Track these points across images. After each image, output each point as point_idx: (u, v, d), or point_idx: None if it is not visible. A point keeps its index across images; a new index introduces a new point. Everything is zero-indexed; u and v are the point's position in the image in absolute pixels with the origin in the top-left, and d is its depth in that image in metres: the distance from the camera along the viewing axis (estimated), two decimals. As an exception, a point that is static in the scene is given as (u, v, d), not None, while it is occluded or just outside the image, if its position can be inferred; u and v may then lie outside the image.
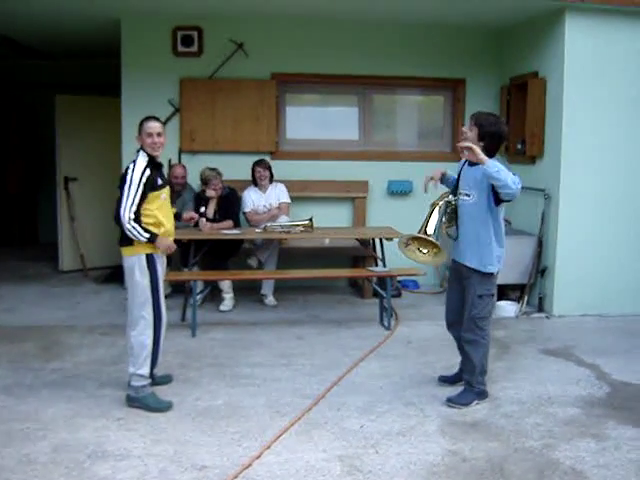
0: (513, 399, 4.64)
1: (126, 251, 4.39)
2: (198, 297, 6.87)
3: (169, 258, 7.00)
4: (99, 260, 8.67)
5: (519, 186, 4.16)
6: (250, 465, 3.65)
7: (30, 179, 10.21)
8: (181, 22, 7.37)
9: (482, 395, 4.59)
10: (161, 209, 4.42)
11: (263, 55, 7.56)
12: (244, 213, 7.20)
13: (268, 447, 3.87)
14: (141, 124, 4.48)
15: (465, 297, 4.57)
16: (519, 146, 7.32)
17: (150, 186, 4.31)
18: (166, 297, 7.00)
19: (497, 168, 4.12)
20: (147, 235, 4.29)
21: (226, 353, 5.54)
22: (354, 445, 3.92)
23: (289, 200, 7.30)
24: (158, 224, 4.39)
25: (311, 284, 7.75)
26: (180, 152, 7.58)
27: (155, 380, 4.72)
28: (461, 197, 4.49)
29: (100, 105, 8.27)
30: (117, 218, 4.29)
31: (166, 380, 4.83)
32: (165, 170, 6.63)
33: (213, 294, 7.11)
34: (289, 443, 3.94)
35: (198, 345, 5.75)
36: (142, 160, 4.34)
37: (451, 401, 4.53)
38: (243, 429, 4.10)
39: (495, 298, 4.61)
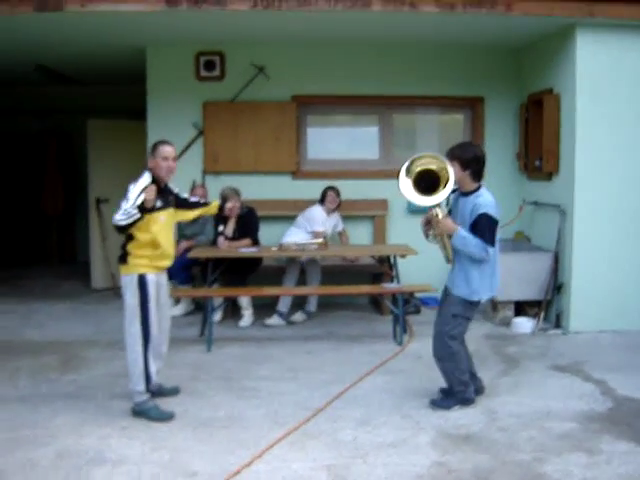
0: (512, 413, 4.66)
1: (122, 269, 4.58)
2: (218, 313, 7.11)
3: (187, 276, 7.28)
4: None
5: (484, 253, 4.42)
6: (238, 472, 3.79)
7: (68, 200, 10.61)
8: (203, 48, 7.65)
9: (466, 402, 4.73)
10: (160, 232, 4.58)
11: (283, 78, 7.77)
12: (313, 232, 7.20)
13: (259, 456, 4.00)
14: (155, 148, 4.66)
15: (441, 314, 4.74)
16: (537, 163, 7.34)
17: (147, 207, 4.46)
18: (188, 314, 7.40)
19: (461, 239, 4.45)
20: (135, 210, 4.35)
21: (236, 367, 5.69)
22: (344, 455, 4.02)
23: (342, 226, 7.63)
24: (155, 244, 4.55)
25: (332, 301, 7.87)
26: (204, 173, 7.82)
27: (163, 391, 4.92)
28: None
29: (128, 129, 8.60)
30: (116, 227, 4.45)
31: (173, 392, 5.00)
32: (187, 191, 6.95)
33: (234, 311, 7.29)
34: (281, 453, 4.06)
35: (211, 359, 5.92)
36: (144, 180, 4.52)
37: (434, 404, 4.75)
38: (239, 439, 4.24)
39: (468, 322, 4.70)
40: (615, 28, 6.44)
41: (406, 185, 4.48)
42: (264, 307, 7.32)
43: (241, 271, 7.04)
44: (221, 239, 6.82)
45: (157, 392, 4.86)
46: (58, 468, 3.83)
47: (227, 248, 6.79)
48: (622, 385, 5.20)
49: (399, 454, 4.04)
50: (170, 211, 4.71)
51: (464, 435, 4.32)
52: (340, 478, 3.73)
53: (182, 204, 4.91)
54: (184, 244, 7.25)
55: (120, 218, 4.38)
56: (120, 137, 8.62)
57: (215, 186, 7.52)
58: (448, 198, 4.65)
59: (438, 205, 4.56)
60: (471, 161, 4.50)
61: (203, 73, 7.69)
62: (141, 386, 4.57)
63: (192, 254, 6.71)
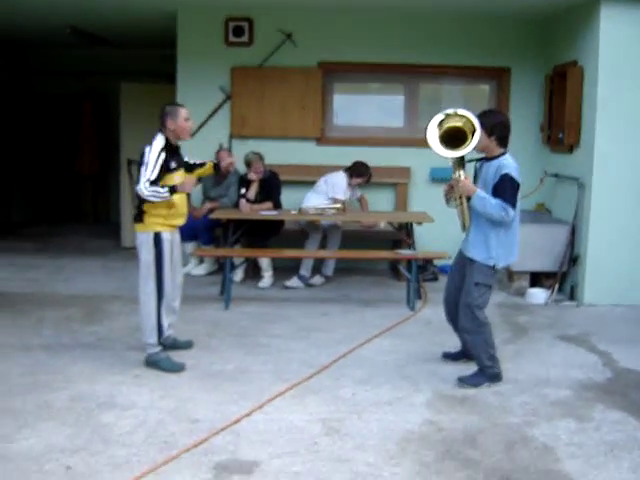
0: (510, 379, 4.76)
1: (137, 227, 4.79)
2: (239, 274, 7.34)
3: (214, 238, 7.50)
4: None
5: (503, 213, 4.39)
6: (238, 421, 4.00)
7: (103, 161, 10.90)
8: (233, 13, 7.77)
9: (495, 378, 4.68)
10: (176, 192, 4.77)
11: (311, 44, 7.87)
12: (333, 198, 7.26)
13: (260, 407, 4.20)
14: (175, 111, 4.81)
15: (464, 286, 4.71)
16: (560, 135, 7.33)
17: (164, 168, 4.66)
18: (211, 273, 7.63)
19: (480, 199, 4.43)
20: (167, 192, 4.60)
21: (251, 325, 5.91)
22: (341, 410, 4.20)
23: (360, 192, 7.73)
24: (170, 203, 4.74)
25: (352, 266, 8.03)
26: (231, 137, 8.00)
27: (177, 344, 5.16)
28: None
29: (159, 92, 8.78)
30: (137, 195, 4.68)
31: (187, 345, 5.23)
32: (211, 155, 7.16)
33: (255, 273, 7.50)
34: (281, 405, 4.26)
35: (228, 317, 6.14)
36: (159, 142, 4.70)
37: (462, 381, 4.65)
38: (243, 391, 4.45)
39: (491, 291, 4.71)
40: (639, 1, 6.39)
41: (434, 137, 4.47)
42: (285, 270, 7.50)
43: (262, 233, 7.23)
44: (243, 201, 7.01)
45: (171, 345, 5.10)
46: (70, 410, 4.09)
47: (248, 210, 6.97)
48: (625, 357, 5.27)
49: (394, 412, 4.20)
50: (182, 171, 4.89)
51: (460, 397, 4.46)
52: (333, 431, 3.92)
53: (188, 166, 5.09)
54: (208, 205, 7.46)
55: (149, 194, 4.57)
56: (151, 100, 8.79)
57: (242, 150, 7.68)
58: (475, 167, 4.72)
59: (462, 167, 4.55)
60: (496, 127, 4.52)
61: (232, 38, 7.83)
62: (153, 339, 4.79)
63: (214, 215, 6.93)
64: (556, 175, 7.39)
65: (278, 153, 7.80)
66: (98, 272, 7.73)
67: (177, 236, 5.00)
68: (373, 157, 7.82)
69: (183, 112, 4.83)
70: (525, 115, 7.95)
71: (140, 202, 4.78)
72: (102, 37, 9.32)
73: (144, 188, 4.58)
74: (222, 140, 7.88)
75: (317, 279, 7.35)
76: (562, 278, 7.02)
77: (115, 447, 3.66)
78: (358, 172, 7.39)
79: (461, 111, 4.50)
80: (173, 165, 4.75)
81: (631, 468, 3.57)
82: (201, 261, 7.75)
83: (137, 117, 8.82)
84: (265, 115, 7.90)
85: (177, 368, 4.76)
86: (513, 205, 4.45)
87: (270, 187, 7.23)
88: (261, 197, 7.18)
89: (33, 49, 10.86)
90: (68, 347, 5.21)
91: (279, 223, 7.29)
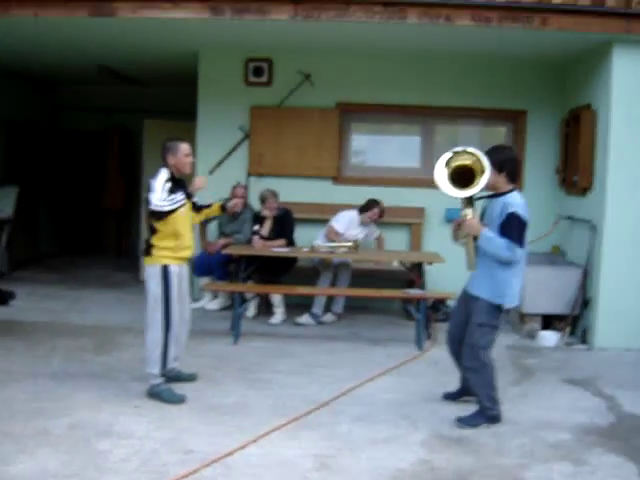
0: (510, 420, 4.72)
1: (146, 260, 4.92)
2: (251, 310, 7.42)
3: (228, 273, 7.60)
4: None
5: (510, 253, 4.38)
6: (231, 454, 4.03)
7: (128, 197, 11.13)
8: (252, 54, 7.99)
9: (494, 420, 4.65)
10: (182, 223, 4.88)
11: (329, 85, 8.04)
12: (326, 223, 7.49)
13: (254, 441, 4.23)
14: (175, 146, 4.93)
15: (468, 325, 4.68)
16: (575, 178, 7.34)
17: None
18: (224, 309, 7.71)
19: (487, 240, 4.43)
20: (182, 196, 4.75)
21: (257, 360, 5.96)
22: (334, 447, 4.21)
23: (378, 232, 7.79)
24: (177, 234, 4.86)
25: (364, 304, 8.05)
26: (248, 175, 8.14)
27: (180, 377, 5.22)
28: None
29: (180, 128, 8.96)
30: (154, 214, 4.77)
31: (191, 378, 5.29)
32: (228, 191, 7.32)
33: (267, 309, 7.56)
34: (276, 439, 4.29)
35: (235, 352, 6.20)
36: (164, 174, 4.83)
37: (461, 421, 4.63)
38: (240, 425, 4.48)
39: (496, 331, 4.64)
40: (653, 45, 6.44)
41: (442, 176, 4.47)
42: (297, 307, 7.54)
43: (275, 270, 7.31)
44: (256, 238, 7.12)
45: (175, 377, 5.16)
46: (68, 437, 4.17)
47: (261, 247, 7.07)
48: (631, 402, 5.19)
49: (388, 450, 4.20)
50: (188, 204, 5.00)
51: (456, 437, 4.44)
52: (324, 466, 3.93)
53: (192, 206, 5.18)
54: (222, 241, 7.58)
55: (166, 203, 4.69)
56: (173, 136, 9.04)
57: (258, 188, 7.81)
58: (482, 204, 4.70)
59: (471, 205, 4.53)
60: (505, 162, 4.51)
61: (251, 78, 8.03)
62: (157, 370, 4.86)
63: (227, 250, 7.04)
64: (570, 218, 7.39)
65: (294, 191, 7.94)
66: (114, 304, 7.86)
67: (185, 269, 5.09)
68: (388, 197, 7.89)
69: (183, 148, 4.97)
70: (541, 158, 7.99)
71: (149, 236, 4.91)
72: (128, 75, 9.62)
73: (158, 201, 4.69)
74: (240, 178, 8.03)
75: (329, 317, 7.40)
76: (574, 321, 6.97)
77: (107, 474, 3.72)
78: (367, 207, 7.48)
79: (470, 149, 4.50)
80: (180, 196, 4.86)
81: (623, 514, 3.53)
82: (215, 296, 7.84)
83: (159, 154, 8.99)
84: (282, 154, 8.05)
85: (178, 400, 4.83)
86: (521, 244, 4.42)
87: (284, 224, 7.33)
88: (274, 234, 7.28)
89: (62, 86, 11.26)
90: (74, 376, 5.31)
91: (292, 260, 7.37)
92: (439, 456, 4.14)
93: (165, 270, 4.87)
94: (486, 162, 4.40)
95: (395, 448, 4.23)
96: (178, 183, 4.89)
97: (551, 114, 7.94)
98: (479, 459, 4.12)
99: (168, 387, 4.92)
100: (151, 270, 4.90)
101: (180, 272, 4.99)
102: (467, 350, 4.65)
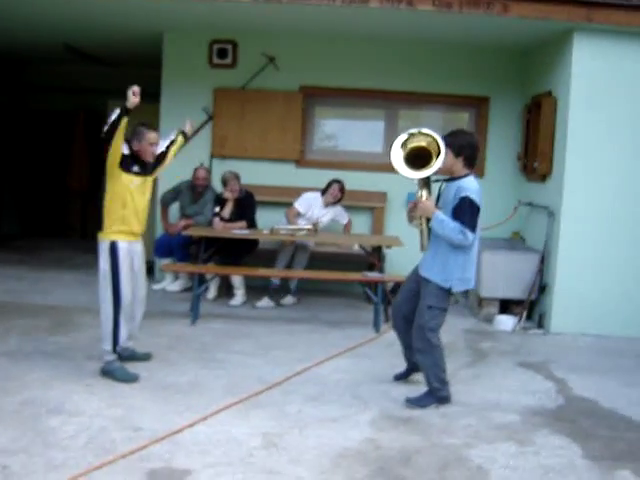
0: (459, 402, 4.79)
1: (98, 236, 4.89)
2: (212, 291, 7.43)
3: (189, 254, 7.59)
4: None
5: (461, 236, 4.41)
6: (180, 431, 4.06)
7: (92, 178, 11.03)
8: (217, 36, 7.95)
9: (443, 400, 4.72)
10: (130, 193, 4.85)
11: (293, 68, 8.03)
12: (290, 206, 7.55)
13: (204, 419, 4.26)
14: (142, 133, 4.95)
15: (418, 307, 4.74)
16: (535, 164, 7.42)
17: (124, 165, 4.78)
18: (185, 290, 7.70)
19: (439, 222, 4.46)
20: (117, 110, 4.70)
21: (213, 341, 5.97)
22: (283, 425, 4.25)
23: (347, 218, 7.80)
24: (124, 203, 4.83)
25: (326, 288, 8.10)
26: (211, 157, 8.12)
27: (135, 356, 5.23)
28: None
29: (144, 110, 8.88)
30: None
31: (145, 357, 5.30)
32: (190, 173, 7.34)
33: (228, 291, 7.57)
34: (225, 418, 4.32)
35: (192, 332, 6.21)
36: (126, 149, 4.85)
37: (410, 402, 4.69)
38: (191, 403, 4.50)
39: (445, 313, 4.70)
40: (613, 34, 6.51)
41: (398, 157, 4.51)
42: (258, 290, 7.56)
43: (236, 252, 7.32)
44: (216, 220, 7.11)
45: (129, 357, 5.17)
46: (19, 413, 4.17)
47: (222, 229, 7.07)
48: (581, 385, 5.30)
49: (336, 429, 4.25)
50: (144, 179, 4.96)
51: (405, 417, 4.50)
52: (271, 444, 3.97)
53: (161, 157, 5.21)
54: (182, 222, 7.56)
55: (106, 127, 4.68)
56: (136, 118, 8.92)
57: (221, 169, 7.79)
58: (439, 187, 4.71)
59: (426, 187, 4.57)
60: (464, 147, 4.53)
61: (216, 60, 8.00)
62: (108, 346, 4.85)
63: (187, 232, 7.03)
64: (530, 204, 7.48)
65: (257, 174, 7.95)
66: (76, 285, 7.80)
67: (138, 246, 5.06)
68: (351, 181, 7.92)
69: (150, 136, 4.98)
70: (503, 144, 8.07)
71: (101, 208, 4.88)
72: (94, 55, 9.52)
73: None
74: (203, 159, 8.00)
75: (288, 299, 7.43)
76: (532, 306, 7.07)
77: (54, 450, 3.73)
78: (327, 186, 7.56)
79: (425, 130, 4.52)
80: (134, 168, 4.86)
81: (561, 492, 3.61)
82: (176, 278, 7.83)
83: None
84: (246, 136, 8.03)
85: (130, 378, 4.82)
86: (472, 229, 4.44)
87: (245, 206, 7.33)
88: (235, 216, 7.27)
89: (28, 65, 11.09)
90: (30, 355, 5.29)
91: (253, 242, 7.38)
92: (386, 435, 4.20)
93: (113, 246, 4.84)
94: (442, 143, 4.43)
95: (343, 427, 4.28)
96: (137, 161, 4.89)
97: (513, 100, 8.01)
98: (425, 438, 4.19)
99: (121, 365, 4.92)
100: (101, 246, 4.89)
101: (130, 248, 4.95)
102: (416, 331, 4.70)
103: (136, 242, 5.03)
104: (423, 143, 4.52)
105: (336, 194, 7.56)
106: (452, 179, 4.61)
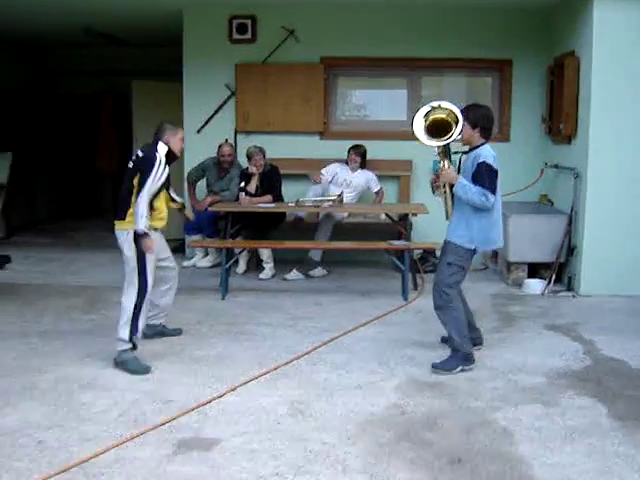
0: (485, 366, 4.83)
1: (117, 225, 4.85)
2: (241, 266, 7.53)
3: (218, 230, 7.68)
4: (173, 233, 9.41)
5: (483, 198, 4.58)
6: (209, 402, 4.16)
7: (122, 159, 11.17)
8: (236, 11, 7.95)
9: (468, 359, 4.78)
10: (158, 197, 4.90)
11: (313, 40, 8.01)
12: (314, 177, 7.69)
13: (233, 390, 4.36)
14: (176, 129, 4.96)
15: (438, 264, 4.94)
16: (560, 126, 7.32)
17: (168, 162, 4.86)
18: (215, 265, 7.80)
19: (462, 186, 4.63)
20: (144, 222, 4.62)
21: (243, 314, 6.07)
22: (310, 393, 4.33)
23: (379, 186, 7.81)
24: (159, 209, 4.91)
25: (354, 258, 8.13)
26: (235, 132, 8.17)
27: (165, 332, 5.35)
28: None
29: (167, 89, 9.02)
30: (127, 193, 4.80)
31: (175, 333, 5.41)
32: (214, 150, 7.43)
33: (258, 265, 7.66)
34: (253, 388, 4.42)
35: (222, 307, 6.32)
36: (163, 148, 4.84)
37: (436, 367, 4.75)
38: (220, 375, 4.61)
39: (464, 272, 4.86)
40: (636, -10, 6.36)
41: (420, 128, 4.70)
42: (288, 263, 7.62)
43: (263, 226, 7.39)
44: (242, 195, 7.18)
45: (160, 332, 5.30)
46: (53, 390, 4.31)
47: (247, 203, 7.13)
48: (609, 346, 5.28)
49: (362, 395, 4.31)
50: (163, 193, 4.99)
51: (431, 383, 4.54)
52: (298, 412, 4.05)
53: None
54: (209, 199, 7.65)
55: (141, 220, 4.62)
56: (160, 97, 9.06)
57: (246, 145, 7.82)
58: (459, 159, 4.91)
59: (447, 157, 4.75)
60: (479, 119, 4.72)
61: (235, 36, 8.01)
62: (125, 335, 4.73)
63: (214, 208, 7.12)
64: (556, 166, 7.40)
65: (281, 147, 7.97)
66: (108, 265, 7.92)
67: (158, 235, 5.01)
68: (376, 150, 7.92)
69: (181, 132, 5.05)
70: (527, 107, 7.97)
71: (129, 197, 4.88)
72: (116, 37, 9.60)
73: (138, 220, 4.64)
74: (227, 136, 8.06)
75: (318, 271, 7.49)
76: (561, 269, 7.03)
77: (87, 424, 3.86)
78: (348, 153, 7.64)
79: (445, 104, 4.73)
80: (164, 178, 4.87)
81: (586, 453, 3.60)
82: (206, 254, 7.94)
83: (148, 113, 9.05)
84: (269, 110, 8.06)
85: (142, 370, 4.67)
86: (493, 191, 4.62)
87: (270, 180, 7.38)
88: (261, 190, 7.33)
89: (54, 51, 11.25)
90: (64, 334, 5.45)
91: (280, 216, 7.44)
92: (411, 400, 4.25)
93: (136, 234, 4.73)
94: (459, 114, 4.64)
95: (369, 394, 4.34)
96: (167, 162, 4.90)
97: (537, 63, 7.88)
98: (451, 402, 4.23)
99: (134, 356, 4.78)
100: (123, 235, 4.79)
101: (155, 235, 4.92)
102: (436, 288, 4.89)
103: (157, 232, 4.98)
104: (443, 115, 4.71)
105: (354, 159, 7.64)
106: (470, 150, 4.80)
